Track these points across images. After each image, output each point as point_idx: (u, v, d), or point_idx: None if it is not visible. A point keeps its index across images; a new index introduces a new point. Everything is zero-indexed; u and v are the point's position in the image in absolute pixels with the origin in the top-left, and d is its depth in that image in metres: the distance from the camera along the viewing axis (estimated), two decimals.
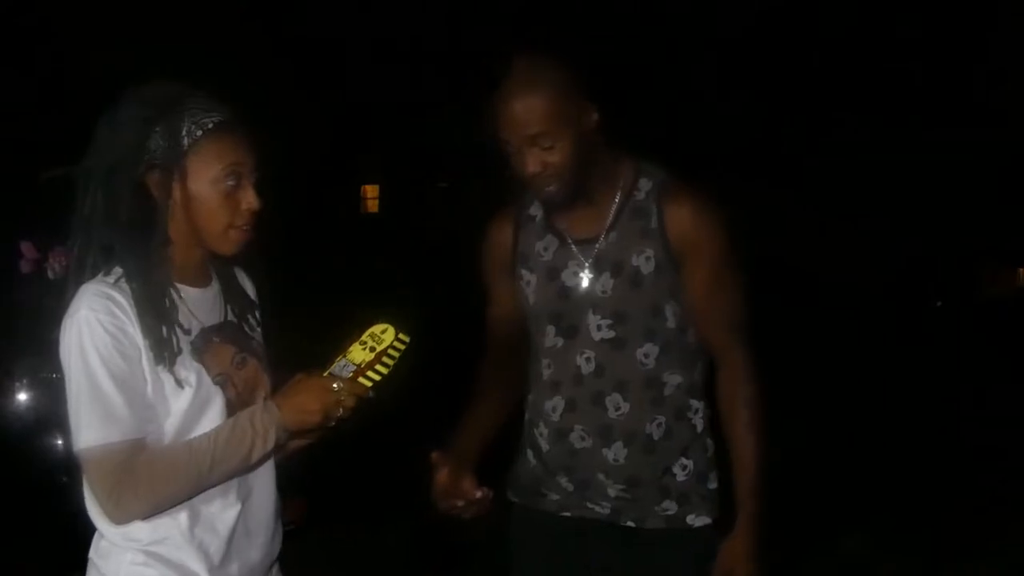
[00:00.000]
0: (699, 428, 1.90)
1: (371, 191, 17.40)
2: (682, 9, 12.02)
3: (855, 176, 12.15)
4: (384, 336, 1.51)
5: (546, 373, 1.90)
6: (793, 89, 11.90)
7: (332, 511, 3.61)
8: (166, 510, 1.42)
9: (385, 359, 1.50)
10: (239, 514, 1.49)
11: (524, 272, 1.91)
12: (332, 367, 1.49)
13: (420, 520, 4.20)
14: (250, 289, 1.65)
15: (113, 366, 1.37)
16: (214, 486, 1.44)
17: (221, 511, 1.47)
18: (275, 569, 1.62)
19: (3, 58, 9.31)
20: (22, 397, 3.57)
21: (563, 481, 1.91)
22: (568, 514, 1.92)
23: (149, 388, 1.40)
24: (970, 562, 4.04)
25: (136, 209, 1.42)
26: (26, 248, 3.77)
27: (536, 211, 1.92)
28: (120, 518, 1.41)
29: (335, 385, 1.46)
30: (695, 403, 1.89)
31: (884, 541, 4.23)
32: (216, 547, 1.46)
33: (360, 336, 1.51)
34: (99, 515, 1.45)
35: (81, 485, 1.45)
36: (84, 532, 1.53)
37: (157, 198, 1.43)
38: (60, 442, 3.49)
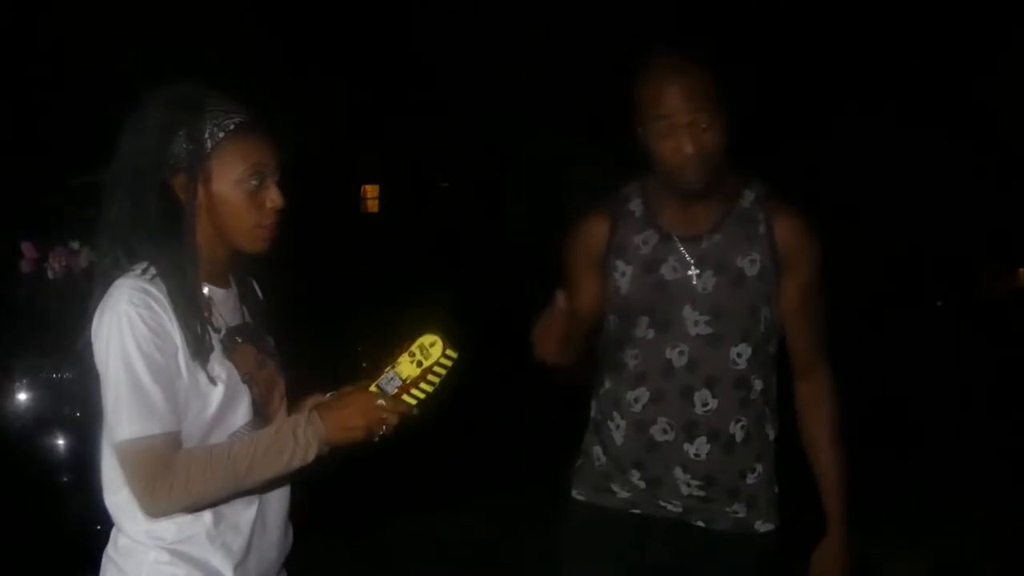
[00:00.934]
0: (771, 437, 1.95)
1: (371, 191, 17.39)
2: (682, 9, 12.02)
3: (855, 176, 12.15)
4: (432, 350, 1.49)
5: (632, 364, 1.91)
6: (792, 88, 11.90)
7: (333, 514, 3.61)
8: (200, 509, 1.43)
9: (431, 376, 1.49)
10: (257, 511, 1.51)
11: (619, 263, 1.92)
12: (380, 379, 1.48)
13: (422, 523, 4.23)
14: (258, 292, 1.67)
15: (152, 360, 1.37)
16: (248, 490, 1.45)
17: (243, 509, 1.49)
18: (282, 571, 1.63)
19: (3, 58, 9.31)
20: (22, 397, 3.57)
21: (634, 477, 1.92)
22: (637, 511, 1.94)
23: (185, 383, 1.41)
24: (972, 563, 4.04)
25: (163, 212, 1.44)
26: (26, 248, 3.77)
27: (636, 207, 1.94)
28: (154, 512, 1.41)
29: (380, 402, 1.45)
30: (770, 412, 1.95)
31: (884, 542, 4.23)
32: (239, 545, 1.49)
33: (410, 346, 1.50)
34: (122, 512, 1.46)
35: (83, 485, 1.45)
36: (84, 532, 1.54)
37: (183, 201, 1.45)
38: (60, 442, 3.49)
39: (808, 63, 11.91)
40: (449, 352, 1.49)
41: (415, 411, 1.48)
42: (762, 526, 1.92)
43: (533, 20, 11.91)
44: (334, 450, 1.48)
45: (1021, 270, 12.97)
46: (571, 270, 2.00)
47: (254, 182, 1.45)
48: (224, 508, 1.46)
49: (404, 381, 1.47)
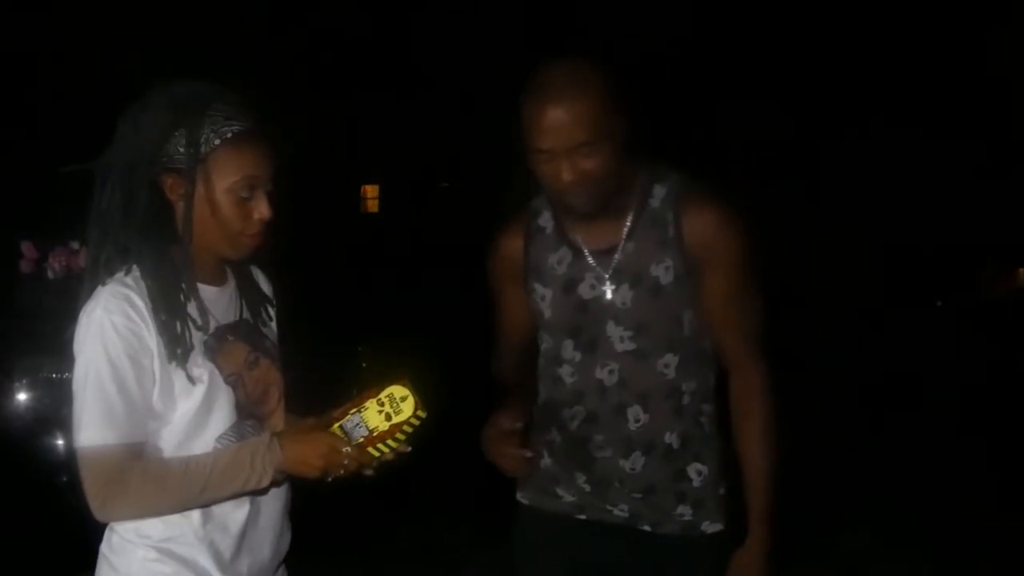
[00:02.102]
0: (707, 429, 1.88)
1: (371, 191, 17.39)
2: (683, 9, 12.02)
3: (854, 176, 12.14)
4: (403, 406, 1.47)
5: (569, 381, 1.86)
6: (792, 89, 11.89)
7: (323, 535, 3.61)
8: (150, 518, 1.44)
9: (399, 434, 1.46)
10: (249, 512, 1.51)
11: (537, 286, 1.86)
12: (345, 419, 1.47)
13: (409, 542, 4.21)
14: (266, 287, 1.67)
15: (120, 369, 1.38)
16: (202, 507, 1.46)
17: (233, 510, 1.49)
18: (281, 570, 1.63)
19: (3, 58, 9.30)
20: (22, 397, 3.57)
21: (580, 480, 1.88)
22: (583, 516, 1.90)
23: (157, 389, 1.41)
24: (971, 563, 4.04)
25: (151, 208, 1.44)
26: (26, 248, 3.78)
27: (546, 222, 1.87)
28: (103, 517, 1.43)
29: (346, 449, 1.44)
30: (706, 407, 1.88)
31: (884, 541, 4.23)
32: (227, 545, 1.49)
33: (379, 393, 1.48)
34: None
35: (82, 486, 1.46)
36: (85, 532, 1.54)
37: (171, 199, 1.45)
38: (60, 442, 3.49)
39: (809, 63, 11.90)
40: (420, 412, 1.47)
41: (374, 466, 1.47)
42: (710, 527, 1.87)
43: (533, 20, 11.91)
44: (288, 477, 1.49)
45: (1021, 270, 12.96)
46: (495, 289, 1.96)
47: (244, 193, 1.45)
48: (214, 508, 1.47)
49: (371, 431, 1.46)
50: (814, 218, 11.70)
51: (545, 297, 1.85)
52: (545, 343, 1.90)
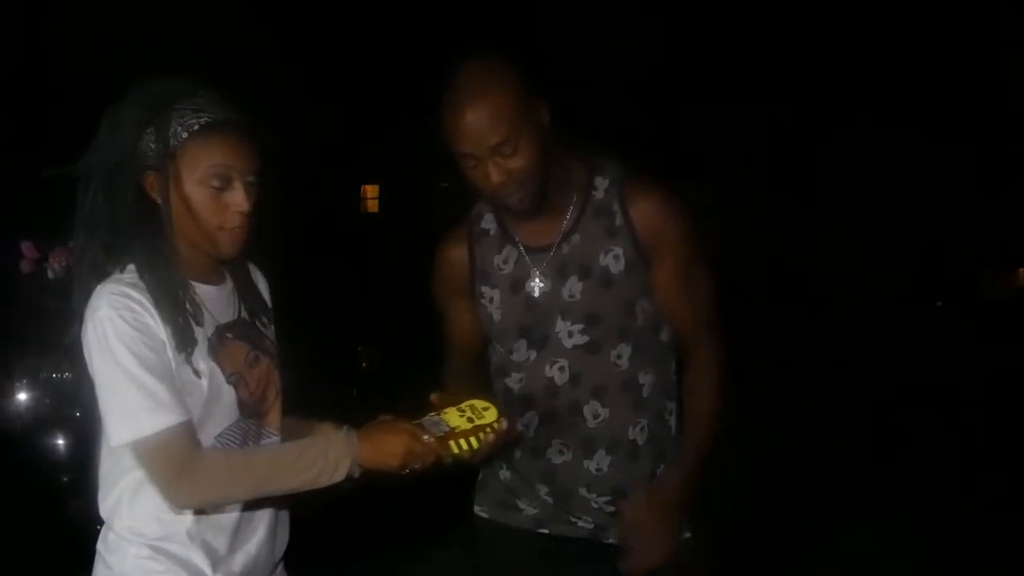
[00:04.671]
0: (673, 429, 1.85)
1: (371, 191, 17.37)
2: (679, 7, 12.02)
3: (854, 176, 12.15)
4: (486, 414, 1.49)
5: (517, 388, 1.83)
6: (793, 90, 11.89)
7: (321, 536, 3.60)
8: (222, 509, 1.45)
9: (481, 434, 1.47)
10: (242, 511, 1.50)
11: (485, 289, 1.83)
12: (424, 419, 1.47)
13: (409, 543, 4.20)
14: (263, 286, 1.66)
15: (144, 357, 1.37)
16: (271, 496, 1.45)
17: (226, 509, 1.49)
18: (280, 568, 1.62)
19: (3, 58, 9.30)
20: (22, 397, 3.57)
21: (542, 492, 1.84)
22: (545, 531, 1.86)
23: (178, 378, 1.41)
24: (971, 563, 4.04)
25: (136, 209, 1.43)
26: (26, 248, 3.77)
27: (489, 224, 1.85)
28: (181, 503, 1.41)
29: (426, 438, 1.44)
30: (669, 404, 1.85)
31: (885, 541, 4.23)
32: (220, 543, 1.48)
33: (459, 403, 1.50)
34: (111, 511, 1.47)
35: (83, 485, 1.46)
36: (85, 533, 1.54)
37: (154, 199, 1.44)
38: (60, 442, 3.49)
39: (809, 63, 11.90)
40: (503, 420, 1.49)
41: (450, 460, 1.46)
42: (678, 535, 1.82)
43: (531, 21, 11.91)
44: (364, 474, 1.45)
45: (1021, 270, 12.97)
46: (441, 301, 1.93)
47: (216, 184, 1.43)
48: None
49: (452, 429, 1.46)
50: (814, 218, 11.70)
51: (493, 299, 1.83)
52: (496, 354, 1.87)
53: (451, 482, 1.82)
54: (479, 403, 1.51)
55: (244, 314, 1.56)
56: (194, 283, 1.48)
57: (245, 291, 1.59)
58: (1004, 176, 12.08)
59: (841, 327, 9.32)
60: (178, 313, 1.41)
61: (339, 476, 1.41)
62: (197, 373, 1.42)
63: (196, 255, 1.49)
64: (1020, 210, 11.55)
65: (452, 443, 1.45)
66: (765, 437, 4.83)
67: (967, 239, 12.16)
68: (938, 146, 11.91)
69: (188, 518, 1.45)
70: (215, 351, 1.46)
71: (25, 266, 3.76)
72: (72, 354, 1.44)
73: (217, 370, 1.46)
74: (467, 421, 1.47)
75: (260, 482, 1.40)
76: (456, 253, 1.88)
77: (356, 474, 1.43)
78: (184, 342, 1.41)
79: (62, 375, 3.48)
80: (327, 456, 1.40)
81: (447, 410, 1.49)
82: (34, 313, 3.67)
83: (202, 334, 1.45)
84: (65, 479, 3.33)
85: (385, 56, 13.25)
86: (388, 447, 1.42)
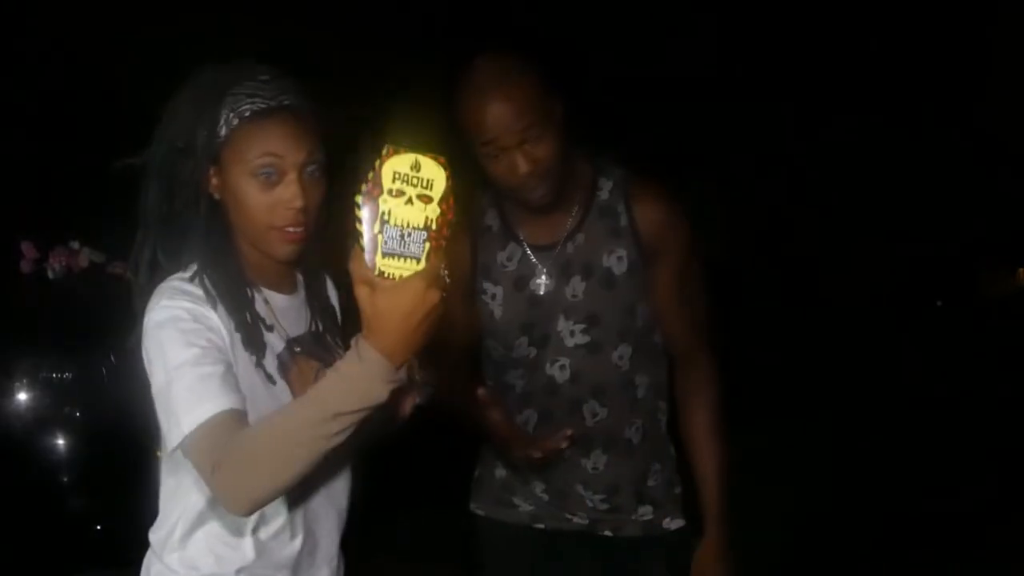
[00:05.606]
0: (663, 428, 1.88)
1: None
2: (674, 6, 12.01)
3: (854, 176, 12.14)
4: (425, 173, 1.04)
5: (519, 385, 1.83)
6: (790, 87, 11.89)
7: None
8: (273, 491, 1.19)
9: (445, 210, 1.05)
10: (303, 545, 1.38)
11: (487, 286, 1.82)
12: (381, 242, 1.04)
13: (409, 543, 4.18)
14: (334, 298, 1.52)
15: (197, 348, 1.23)
16: (313, 458, 1.16)
17: (287, 543, 1.37)
18: None
19: (3, 58, 9.29)
20: (22, 397, 3.57)
21: (538, 489, 1.85)
22: (541, 526, 1.87)
23: (240, 371, 1.28)
24: (971, 563, 4.04)
25: (197, 206, 1.32)
26: (26, 248, 3.77)
27: (492, 220, 1.84)
28: (235, 499, 1.18)
29: (442, 273, 1.08)
30: (662, 404, 1.87)
31: (884, 542, 4.23)
32: None
33: (376, 175, 1.04)
34: (162, 544, 1.36)
35: (83, 485, 1.43)
36: (84, 532, 1.53)
37: (212, 194, 1.32)
38: (60, 442, 3.49)
39: (808, 63, 11.91)
40: (443, 163, 1.07)
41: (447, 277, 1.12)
42: (671, 523, 1.87)
43: (530, 20, 11.91)
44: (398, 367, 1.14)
45: (1021, 270, 12.98)
46: None
47: (263, 175, 1.28)
48: (269, 542, 1.34)
49: (425, 229, 1.04)
50: (812, 219, 11.70)
51: (496, 296, 1.82)
52: (494, 352, 1.86)
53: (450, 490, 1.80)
54: (400, 160, 1.05)
55: (316, 327, 1.42)
56: (266, 290, 1.36)
57: (319, 303, 1.45)
58: (1004, 176, 12.09)
59: (841, 327, 9.32)
60: (245, 307, 1.29)
61: (376, 390, 1.12)
62: (271, 379, 1.31)
63: (263, 259, 1.34)
64: (1020, 210, 11.56)
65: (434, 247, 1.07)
66: (764, 434, 4.83)
67: (967, 239, 12.16)
68: (938, 146, 11.92)
69: (247, 555, 1.32)
70: (285, 368, 1.34)
71: (25, 266, 3.76)
72: (138, 362, 1.30)
73: (287, 391, 1.32)
74: (422, 202, 1.05)
75: (287, 434, 1.15)
76: (457, 250, 1.84)
77: (399, 382, 1.15)
78: (251, 338, 1.28)
79: (62, 375, 3.48)
80: (339, 373, 1.14)
81: (384, 200, 1.05)
82: (34, 313, 3.67)
83: (273, 343, 1.33)
84: (65, 479, 3.33)
85: (385, 56, 13.25)
86: (404, 308, 1.10)
